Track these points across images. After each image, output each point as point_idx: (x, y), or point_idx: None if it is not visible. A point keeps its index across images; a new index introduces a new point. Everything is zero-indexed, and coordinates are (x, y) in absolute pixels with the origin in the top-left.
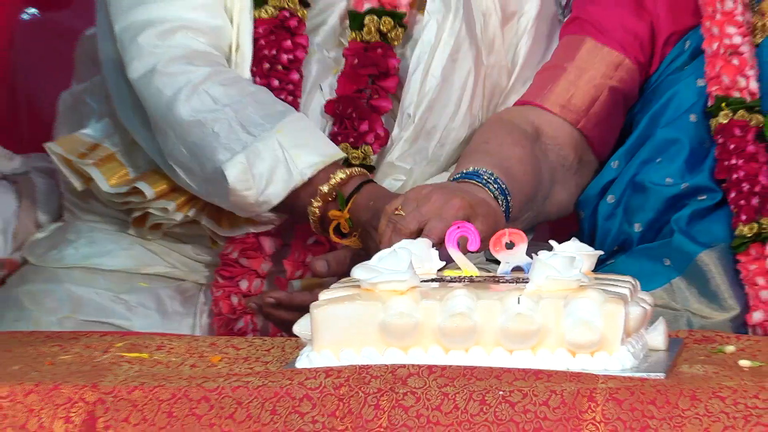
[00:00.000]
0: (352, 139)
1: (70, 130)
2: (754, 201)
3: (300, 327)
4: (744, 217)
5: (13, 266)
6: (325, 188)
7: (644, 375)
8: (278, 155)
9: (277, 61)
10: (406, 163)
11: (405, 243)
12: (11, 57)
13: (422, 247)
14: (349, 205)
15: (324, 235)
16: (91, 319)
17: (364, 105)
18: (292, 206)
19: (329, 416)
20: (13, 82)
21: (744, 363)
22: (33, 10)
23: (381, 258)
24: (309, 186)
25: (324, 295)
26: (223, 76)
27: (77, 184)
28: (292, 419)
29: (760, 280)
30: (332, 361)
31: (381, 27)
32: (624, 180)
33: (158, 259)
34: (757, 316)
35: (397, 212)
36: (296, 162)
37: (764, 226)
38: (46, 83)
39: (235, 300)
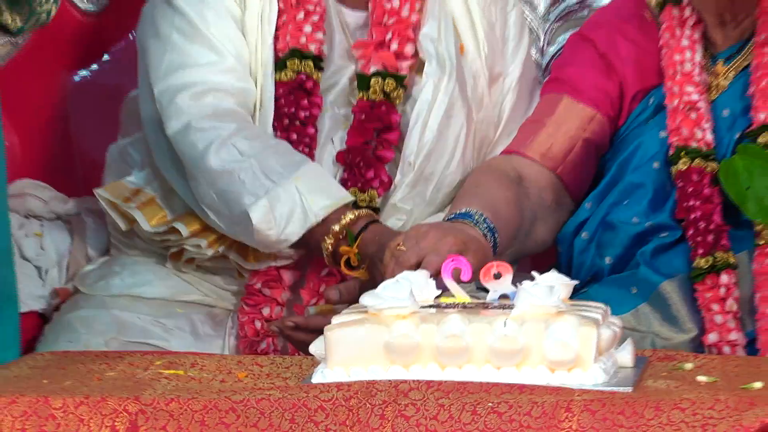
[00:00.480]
0: (360, 185)
1: (117, 177)
2: (710, 237)
3: (315, 347)
4: (701, 252)
5: (67, 294)
6: (336, 227)
7: (614, 389)
8: (296, 199)
9: (295, 117)
10: (407, 205)
11: (406, 274)
12: (66, 114)
13: (421, 277)
14: (358, 241)
15: (336, 267)
16: (134, 340)
17: (370, 155)
18: (308, 243)
19: (340, 425)
20: (67, 136)
21: (701, 378)
22: (84, 72)
23: (385, 287)
24: (323, 225)
25: (336, 320)
26: (248, 131)
27: (122, 225)
28: (309, 427)
29: (715, 306)
30: (343, 377)
31: (385, 87)
32: (596, 219)
33: (192, 289)
34: (712, 338)
35: (399, 248)
36: (311, 205)
37: (718, 259)
38: (96, 137)
39: (258, 324)
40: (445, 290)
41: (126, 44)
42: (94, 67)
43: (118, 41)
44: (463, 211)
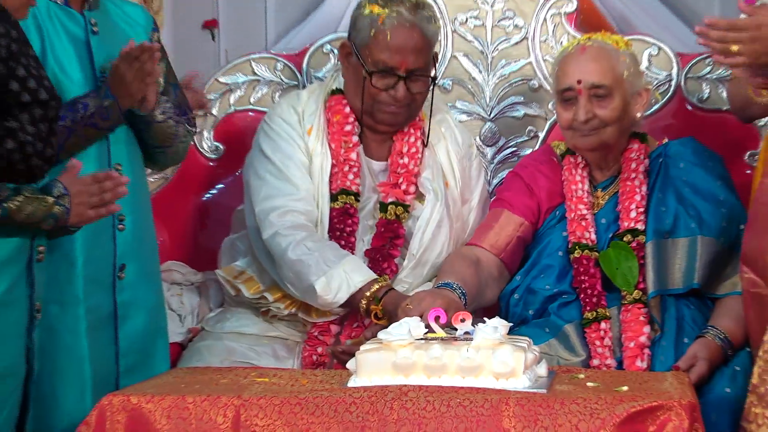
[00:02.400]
0: (378, 271)
1: (229, 261)
2: (594, 299)
3: (350, 364)
4: (588, 308)
5: (197, 332)
6: (368, 293)
7: (536, 390)
8: (343, 277)
9: (342, 230)
10: (409, 279)
11: (405, 319)
12: (196, 220)
13: (415, 321)
14: (381, 302)
15: (367, 318)
16: (238, 360)
17: (386, 253)
18: (351, 304)
19: (365, 413)
20: (196, 233)
21: (589, 384)
22: (208, 195)
23: (393, 327)
24: (359, 293)
25: (363, 348)
26: (313, 237)
27: (232, 292)
28: (345, 415)
29: (597, 342)
30: (367, 383)
31: (396, 212)
32: (523, 286)
33: (274, 329)
34: (595, 362)
35: (407, 306)
36: (352, 280)
37: (599, 314)
38: (214, 234)
39: (315, 357)
40: (430, 330)
41: (233, 179)
42: (214, 191)
43: (229, 176)
44: (446, 282)
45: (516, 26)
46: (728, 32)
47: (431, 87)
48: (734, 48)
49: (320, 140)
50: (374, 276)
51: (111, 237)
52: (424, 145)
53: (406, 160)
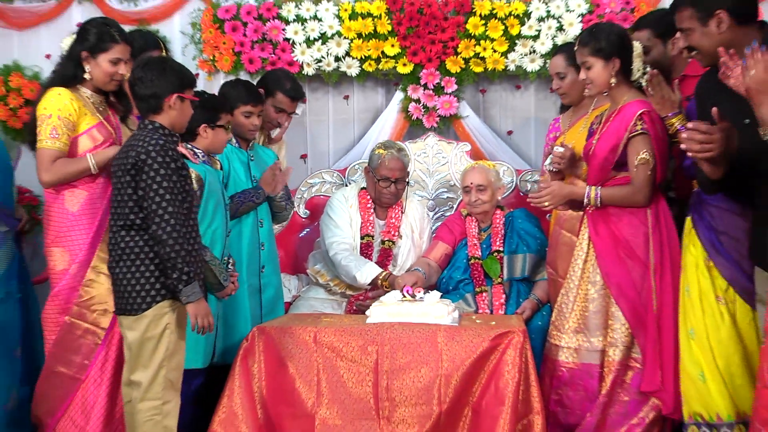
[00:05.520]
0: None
1: (312, 265)
2: (480, 283)
3: (369, 311)
4: (477, 287)
5: (296, 297)
6: (380, 278)
7: (453, 324)
8: (370, 271)
9: (366, 252)
10: (397, 273)
11: (393, 292)
12: (296, 246)
13: (397, 293)
14: (386, 281)
15: (380, 288)
16: (316, 310)
17: (384, 264)
18: (372, 284)
19: (374, 334)
20: (298, 251)
21: (477, 321)
22: (302, 234)
23: (387, 296)
24: (376, 278)
25: (373, 305)
26: (353, 254)
27: (314, 280)
28: (365, 334)
29: (481, 303)
30: (375, 321)
31: (389, 245)
32: (447, 276)
33: (333, 295)
34: (480, 312)
35: (398, 280)
36: (373, 272)
37: (483, 289)
38: (304, 251)
39: (351, 310)
40: (404, 296)
41: (314, 226)
42: (305, 232)
43: (312, 225)
44: (416, 267)
45: (443, 157)
46: (540, 195)
47: (406, 185)
48: (545, 202)
49: (355, 210)
50: (382, 270)
51: (257, 253)
52: (402, 212)
53: (393, 220)
